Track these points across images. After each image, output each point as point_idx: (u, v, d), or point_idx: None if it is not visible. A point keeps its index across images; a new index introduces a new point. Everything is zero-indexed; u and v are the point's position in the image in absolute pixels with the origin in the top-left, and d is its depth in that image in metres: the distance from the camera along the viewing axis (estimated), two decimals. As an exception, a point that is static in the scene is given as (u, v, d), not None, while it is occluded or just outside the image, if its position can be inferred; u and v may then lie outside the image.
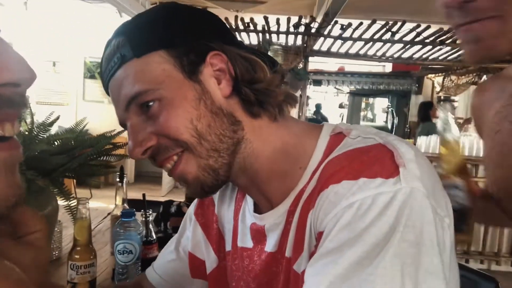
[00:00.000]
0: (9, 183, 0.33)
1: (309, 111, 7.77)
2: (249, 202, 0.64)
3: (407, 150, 0.47)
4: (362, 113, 8.18)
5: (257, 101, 0.55)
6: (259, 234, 0.60)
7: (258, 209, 0.62)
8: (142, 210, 1.04)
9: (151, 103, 0.52)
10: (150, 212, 1.04)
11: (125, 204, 1.16)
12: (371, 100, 8.22)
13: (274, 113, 0.56)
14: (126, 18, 3.45)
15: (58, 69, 5.91)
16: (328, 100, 8.66)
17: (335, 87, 6.52)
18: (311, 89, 6.59)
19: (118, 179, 1.14)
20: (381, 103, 7.69)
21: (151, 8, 0.61)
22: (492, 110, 0.70)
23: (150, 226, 1.03)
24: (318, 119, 7.60)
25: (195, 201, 0.74)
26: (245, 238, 0.63)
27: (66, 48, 5.76)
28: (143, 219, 1.01)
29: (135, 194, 1.38)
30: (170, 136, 0.53)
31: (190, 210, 0.74)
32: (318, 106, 8.09)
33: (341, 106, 8.31)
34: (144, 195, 1.07)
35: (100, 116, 5.62)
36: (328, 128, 0.57)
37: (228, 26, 0.58)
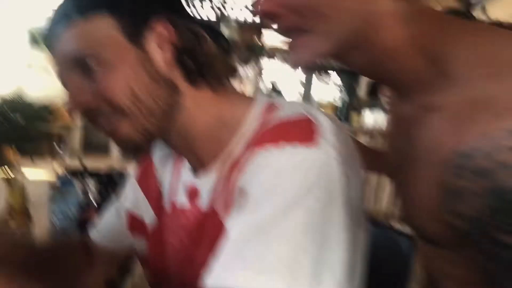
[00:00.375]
0: None
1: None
2: (186, 164, 0.69)
3: (326, 122, 0.54)
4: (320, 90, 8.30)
5: (198, 71, 0.59)
6: (193, 193, 0.65)
7: (194, 171, 0.66)
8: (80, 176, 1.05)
9: (92, 65, 0.54)
10: (90, 179, 1.05)
11: (66, 173, 1.16)
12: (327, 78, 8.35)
13: (214, 84, 0.60)
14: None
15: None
16: (284, 78, 8.70)
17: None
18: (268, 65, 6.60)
19: (58, 147, 1.13)
20: (336, 80, 7.84)
21: None
22: None
23: (89, 192, 1.04)
24: (272, 97, 7.65)
25: (137, 167, 0.78)
26: (182, 198, 0.67)
27: (7, 16, 5.45)
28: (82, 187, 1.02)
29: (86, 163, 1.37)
30: (108, 98, 0.55)
31: (131, 174, 0.78)
32: (273, 84, 8.12)
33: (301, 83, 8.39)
34: (81, 159, 1.08)
35: (48, 85, 5.40)
36: (262, 99, 0.62)
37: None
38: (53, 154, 1.13)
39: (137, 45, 0.56)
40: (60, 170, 1.14)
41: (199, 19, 0.56)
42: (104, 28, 0.55)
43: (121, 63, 0.55)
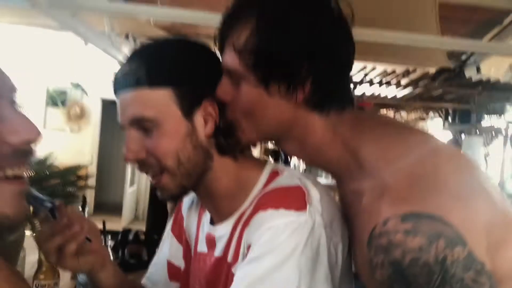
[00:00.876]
0: (22, 205, 0.51)
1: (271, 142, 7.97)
2: (207, 215, 0.82)
3: (315, 192, 0.67)
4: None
5: (227, 144, 0.73)
6: (211, 242, 0.78)
7: (212, 222, 0.79)
8: (102, 236, 1.14)
9: (150, 127, 0.68)
10: (109, 237, 1.14)
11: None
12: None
13: (236, 154, 0.75)
14: (92, 50, 3.53)
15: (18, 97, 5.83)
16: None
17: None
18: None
19: (80, 208, 1.24)
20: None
21: (172, 41, 0.79)
22: None
23: (109, 249, 1.13)
24: (278, 151, 7.80)
25: (171, 220, 0.91)
26: (202, 245, 0.81)
27: (27, 75, 5.74)
28: (103, 243, 1.11)
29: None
30: (157, 158, 0.69)
31: (168, 227, 0.93)
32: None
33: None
34: (104, 221, 1.18)
35: (61, 144, 5.59)
36: (269, 167, 0.77)
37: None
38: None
39: (188, 119, 0.69)
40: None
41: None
42: (166, 100, 0.67)
43: (174, 131, 0.68)
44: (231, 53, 0.66)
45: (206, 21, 2.46)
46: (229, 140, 0.73)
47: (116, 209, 6.19)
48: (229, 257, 0.72)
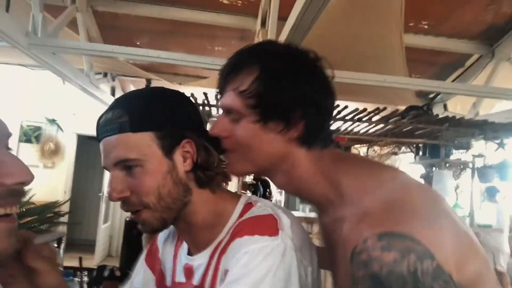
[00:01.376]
0: (11, 242, 0.53)
1: (249, 176, 8.04)
2: (184, 247, 0.85)
3: (286, 219, 0.73)
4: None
5: (206, 179, 0.78)
6: (189, 272, 0.82)
7: (190, 253, 0.83)
8: (78, 272, 1.14)
9: (135, 168, 0.73)
10: (86, 273, 1.14)
11: (60, 268, 1.25)
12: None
13: (214, 186, 0.80)
14: (69, 85, 3.56)
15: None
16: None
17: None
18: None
19: (56, 245, 1.23)
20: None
21: (152, 91, 0.86)
22: None
23: (85, 286, 1.13)
24: (256, 185, 7.85)
25: (145, 250, 0.96)
26: (180, 275, 0.84)
27: (0, 110, 5.67)
28: (79, 280, 1.11)
29: (67, 262, 1.44)
30: (140, 195, 0.73)
31: (142, 257, 0.95)
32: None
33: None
34: (80, 258, 1.18)
35: (35, 180, 5.46)
36: (244, 199, 0.82)
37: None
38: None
39: (169, 158, 0.74)
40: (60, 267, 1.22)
41: (211, 136, 0.78)
42: (148, 142, 0.73)
43: (155, 170, 0.73)
44: (234, 95, 0.75)
45: (183, 62, 2.56)
46: (207, 174, 0.77)
47: (89, 246, 6.02)
48: (207, 285, 0.76)
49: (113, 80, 4.21)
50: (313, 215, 4.85)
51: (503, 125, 3.60)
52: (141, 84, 4.19)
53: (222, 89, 0.80)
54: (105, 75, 4.08)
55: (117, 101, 0.78)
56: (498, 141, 3.99)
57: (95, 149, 0.78)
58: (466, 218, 4.12)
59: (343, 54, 2.72)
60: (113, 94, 4.12)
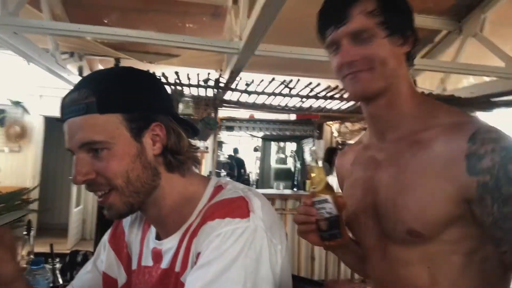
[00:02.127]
0: None
1: (223, 155, 8.04)
2: (152, 231, 0.85)
3: (257, 201, 0.74)
4: (276, 156, 8.62)
5: (175, 162, 0.77)
6: (157, 255, 0.81)
7: (158, 237, 0.83)
8: (50, 259, 1.12)
9: (102, 151, 0.71)
10: (58, 260, 1.13)
11: (31, 256, 1.22)
12: (282, 144, 8.71)
13: (184, 170, 0.79)
14: (34, 66, 3.41)
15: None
16: (243, 144, 9.02)
17: (247, 133, 6.88)
18: (225, 135, 6.88)
19: (25, 232, 1.20)
20: (291, 147, 8.21)
21: (121, 71, 0.82)
22: (345, 168, 0.99)
23: (57, 272, 1.11)
24: (231, 163, 7.87)
25: (109, 231, 0.92)
26: (147, 259, 0.83)
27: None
28: (51, 267, 1.09)
29: (39, 248, 1.41)
30: (107, 178, 0.72)
31: (105, 238, 0.92)
32: (235, 150, 8.43)
33: (255, 149, 8.73)
34: (51, 245, 1.16)
35: (1, 165, 5.28)
36: (213, 181, 0.82)
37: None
38: (23, 239, 1.18)
39: (138, 141, 0.73)
40: (27, 253, 1.19)
41: (182, 119, 0.76)
42: (116, 124, 0.71)
43: (124, 153, 0.71)
44: (363, 17, 0.81)
45: (153, 41, 2.48)
46: (177, 158, 0.77)
47: (61, 230, 5.92)
48: (177, 267, 0.76)
49: (81, 59, 4.06)
50: (287, 192, 4.92)
51: (468, 99, 3.71)
52: (110, 63, 4.06)
53: (342, 18, 0.82)
54: (72, 54, 3.92)
55: (83, 81, 0.75)
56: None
57: (64, 131, 0.75)
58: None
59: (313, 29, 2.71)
60: (80, 74, 3.97)
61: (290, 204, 4.28)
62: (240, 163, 8.20)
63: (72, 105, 0.71)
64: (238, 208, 0.72)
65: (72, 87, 0.74)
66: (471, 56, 3.41)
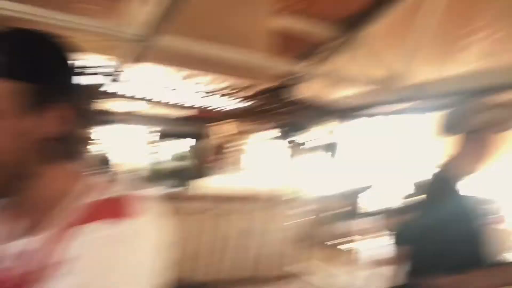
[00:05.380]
0: None
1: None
2: (17, 228, 0.72)
3: (139, 201, 0.69)
4: (169, 153, 8.42)
5: (62, 153, 0.69)
6: (21, 256, 0.69)
7: (24, 235, 0.70)
8: None
9: None
10: None
11: None
12: (173, 141, 8.56)
13: (67, 163, 0.71)
14: None
15: None
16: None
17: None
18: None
19: None
20: (189, 143, 8.09)
21: (19, 32, 0.67)
22: None
23: None
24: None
25: None
26: (8, 259, 0.70)
27: None
28: None
29: None
30: None
31: None
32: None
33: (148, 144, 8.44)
34: None
35: None
36: (96, 179, 0.74)
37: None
38: None
39: (27, 117, 0.63)
40: None
41: (88, 107, 0.69)
42: (4, 94, 0.61)
43: (6, 129, 0.63)
44: None
45: (41, 18, 2.27)
46: (65, 147, 0.69)
47: None
48: (45, 271, 0.64)
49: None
50: (177, 190, 4.80)
51: (341, 109, 3.95)
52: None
53: None
54: None
55: None
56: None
57: None
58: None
59: (210, 27, 2.78)
60: None
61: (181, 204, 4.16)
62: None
63: None
64: (118, 209, 0.66)
65: None
66: (359, 65, 3.47)
